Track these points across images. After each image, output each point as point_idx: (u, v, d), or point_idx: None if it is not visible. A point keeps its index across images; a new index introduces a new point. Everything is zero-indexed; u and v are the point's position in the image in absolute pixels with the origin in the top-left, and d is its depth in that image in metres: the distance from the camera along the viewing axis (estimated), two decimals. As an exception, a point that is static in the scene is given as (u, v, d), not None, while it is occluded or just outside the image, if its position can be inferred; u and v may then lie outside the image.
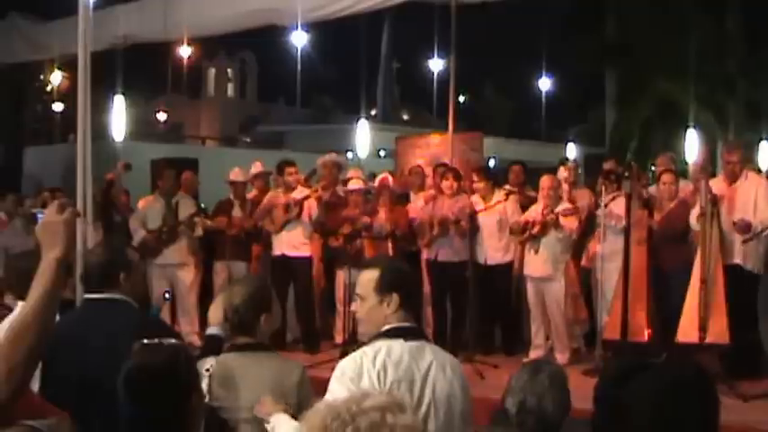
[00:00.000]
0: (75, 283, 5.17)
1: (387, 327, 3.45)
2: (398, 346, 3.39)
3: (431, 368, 3.38)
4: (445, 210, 9.56)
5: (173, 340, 3.15)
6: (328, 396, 3.28)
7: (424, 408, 3.31)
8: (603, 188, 9.06)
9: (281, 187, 10.24)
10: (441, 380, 3.37)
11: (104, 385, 3.31)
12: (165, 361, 2.93)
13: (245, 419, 3.76)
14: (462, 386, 3.45)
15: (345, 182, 10.49)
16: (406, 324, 3.47)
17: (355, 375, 3.32)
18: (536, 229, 9.16)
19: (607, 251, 8.87)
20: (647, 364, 2.28)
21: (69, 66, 15.93)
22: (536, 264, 9.27)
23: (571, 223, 9.08)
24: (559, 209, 9.07)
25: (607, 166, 10.02)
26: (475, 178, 9.87)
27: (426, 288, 9.80)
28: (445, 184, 9.71)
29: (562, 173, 10.08)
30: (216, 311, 4.21)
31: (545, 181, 9.32)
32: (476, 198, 9.77)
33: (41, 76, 22.40)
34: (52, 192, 11.50)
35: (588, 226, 9.43)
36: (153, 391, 2.87)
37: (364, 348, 3.42)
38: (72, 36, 7.35)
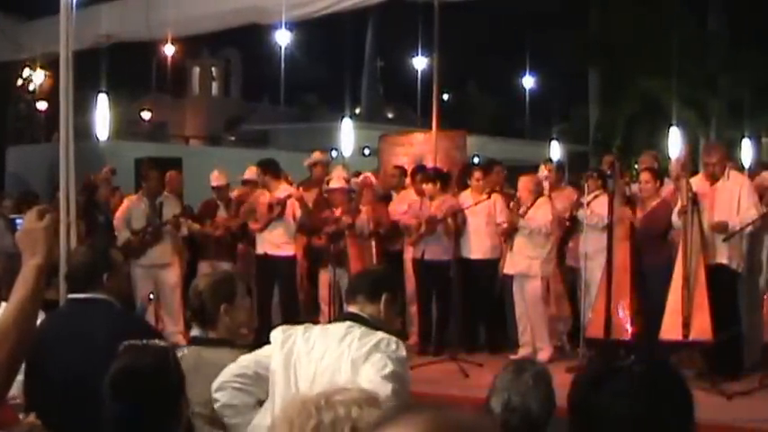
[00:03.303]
0: (60, 284, 5.18)
1: None
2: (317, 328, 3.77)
3: (316, 345, 3.63)
4: (433, 210, 9.55)
5: (158, 341, 3.16)
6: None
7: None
8: (587, 186, 9.11)
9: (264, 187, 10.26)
10: (328, 355, 3.58)
11: (87, 384, 3.32)
12: (154, 362, 2.94)
13: (198, 414, 3.77)
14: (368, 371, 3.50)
15: (328, 181, 10.49)
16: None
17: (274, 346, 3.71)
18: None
19: (590, 249, 8.91)
20: (619, 367, 2.27)
21: (52, 65, 15.84)
22: (512, 261, 9.32)
23: (545, 218, 9.10)
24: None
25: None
26: (477, 175, 9.93)
27: (411, 287, 9.80)
28: (427, 188, 9.71)
29: (543, 172, 10.12)
30: None
31: (524, 182, 9.42)
32: (467, 193, 9.84)
33: (25, 76, 22.25)
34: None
35: (572, 224, 9.48)
36: (142, 391, 2.88)
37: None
38: (55, 35, 7.31)
